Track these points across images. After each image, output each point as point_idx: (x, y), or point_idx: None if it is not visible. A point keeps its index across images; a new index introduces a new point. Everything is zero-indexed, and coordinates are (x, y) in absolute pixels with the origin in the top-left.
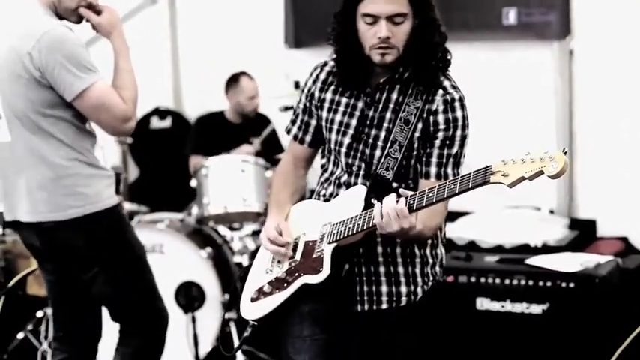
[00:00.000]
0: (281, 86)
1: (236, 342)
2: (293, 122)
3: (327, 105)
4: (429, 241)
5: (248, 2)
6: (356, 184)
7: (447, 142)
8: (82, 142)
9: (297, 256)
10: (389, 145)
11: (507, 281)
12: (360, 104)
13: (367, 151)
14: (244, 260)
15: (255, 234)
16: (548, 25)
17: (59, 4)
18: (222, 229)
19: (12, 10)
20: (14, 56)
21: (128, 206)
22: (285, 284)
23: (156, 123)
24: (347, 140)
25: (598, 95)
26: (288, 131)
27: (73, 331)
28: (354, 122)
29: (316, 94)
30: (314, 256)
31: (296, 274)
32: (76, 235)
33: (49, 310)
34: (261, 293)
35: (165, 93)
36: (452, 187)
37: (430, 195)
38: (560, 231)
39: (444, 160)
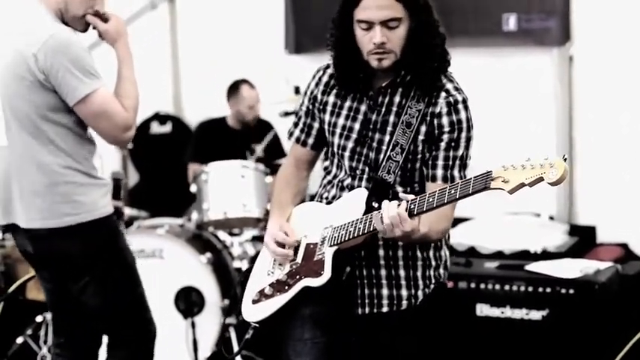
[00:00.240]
0: (281, 92)
1: (235, 347)
2: (296, 125)
3: (329, 108)
4: (433, 244)
5: (248, 8)
6: (359, 187)
7: (453, 145)
8: (80, 150)
9: (299, 259)
10: (390, 148)
11: (507, 287)
12: (363, 108)
13: (371, 155)
14: (244, 266)
15: (255, 239)
16: (548, 31)
17: (66, 11)
18: (222, 235)
19: (19, 15)
20: (19, 58)
21: (128, 211)
22: (287, 287)
23: (156, 128)
24: (350, 144)
25: (598, 101)
26: (291, 134)
27: (73, 338)
28: (357, 126)
29: (319, 96)
30: (315, 259)
31: (297, 276)
32: (70, 243)
33: (49, 315)
34: (262, 295)
35: (165, 98)
36: (452, 191)
37: (430, 199)
38: (560, 237)
39: (450, 163)
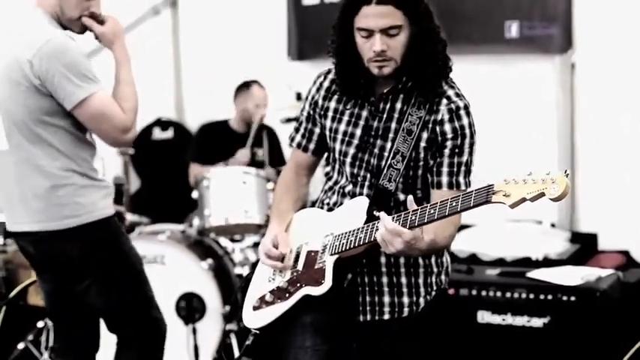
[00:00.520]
0: (283, 98)
1: (236, 353)
2: (297, 130)
3: (330, 114)
4: None
5: (251, 14)
6: (361, 194)
7: (457, 151)
8: (80, 153)
9: (300, 266)
10: (391, 156)
11: (508, 294)
12: (365, 114)
13: (373, 162)
14: (245, 272)
15: (257, 245)
16: (550, 38)
17: (62, 14)
18: (224, 241)
19: (16, 19)
20: (14, 64)
21: (129, 217)
22: (287, 294)
23: (158, 134)
24: (352, 150)
25: (599, 108)
26: (292, 139)
27: (70, 342)
28: (358, 132)
29: (320, 102)
30: (316, 267)
31: (298, 284)
32: (71, 244)
33: (50, 321)
34: (263, 302)
35: (167, 104)
36: (454, 204)
37: (432, 211)
38: (562, 244)
39: (455, 169)
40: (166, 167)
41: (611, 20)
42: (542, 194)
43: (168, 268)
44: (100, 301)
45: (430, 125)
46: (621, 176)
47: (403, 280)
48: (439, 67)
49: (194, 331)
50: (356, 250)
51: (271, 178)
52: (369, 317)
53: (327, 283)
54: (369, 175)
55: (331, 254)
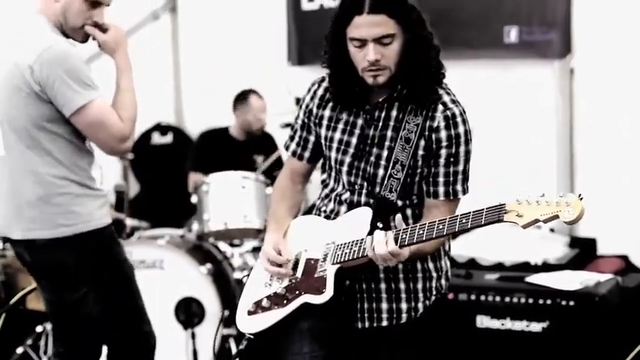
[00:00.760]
0: (283, 103)
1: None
2: (292, 138)
3: (325, 122)
4: (430, 255)
5: (251, 19)
6: (359, 202)
7: (452, 160)
8: (78, 161)
9: (298, 274)
10: (391, 165)
11: (507, 299)
12: (360, 122)
13: (369, 170)
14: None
15: (256, 250)
16: (549, 43)
17: (65, 22)
18: (223, 246)
19: (19, 25)
20: (15, 70)
21: (129, 222)
22: (285, 301)
23: (157, 139)
24: (348, 159)
25: (598, 113)
26: (287, 147)
27: (73, 348)
28: (354, 140)
29: (314, 110)
30: (316, 275)
31: (297, 292)
32: (66, 253)
33: (49, 326)
34: (259, 307)
35: (166, 109)
36: (463, 221)
37: (440, 227)
38: (561, 249)
39: (451, 178)
40: (165, 172)
41: (610, 25)
42: (557, 216)
43: (168, 272)
44: (94, 310)
45: (427, 132)
46: (620, 181)
47: (402, 285)
48: (433, 73)
49: (193, 335)
50: (358, 261)
51: (269, 183)
52: (367, 324)
53: (329, 292)
54: (365, 184)
55: (333, 263)
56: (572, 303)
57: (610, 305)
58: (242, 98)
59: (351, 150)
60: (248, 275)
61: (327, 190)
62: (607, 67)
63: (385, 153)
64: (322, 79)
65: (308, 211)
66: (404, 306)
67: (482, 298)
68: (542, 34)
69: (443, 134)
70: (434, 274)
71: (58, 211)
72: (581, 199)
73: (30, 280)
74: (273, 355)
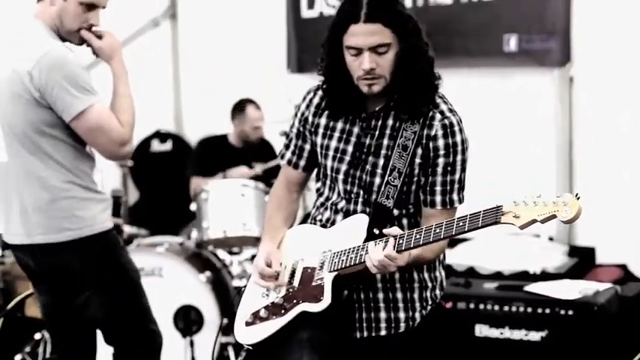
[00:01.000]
0: (283, 110)
1: None
2: (287, 147)
3: (321, 130)
4: (426, 265)
5: (251, 26)
6: (355, 210)
7: (449, 169)
8: (80, 165)
9: (295, 283)
10: (388, 172)
11: (506, 308)
12: (356, 130)
13: (366, 178)
14: (243, 284)
15: (255, 258)
16: (549, 52)
17: (61, 26)
18: (222, 253)
19: (16, 31)
20: (15, 76)
21: (128, 229)
22: (283, 311)
23: (156, 146)
24: (344, 167)
25: (598, 122)
26: (282, 156)
27: (66, 354)
28: (350, 149)
29: (310, 118)
30: (313, 283)
31: (294, 300)
32: (71, 257)
33: (47, 333)
34: (257, 318)
35: (166, 116)
36: (460, 224)
37: (437, 231)
38: (560, 258)
39: (448, 187)
40: (165, 179)
41: (609, 34)
42: (554, 216)
43: (166, 280)
44: (99, 313)
45: (424, 141)
46: (619, 190)
47: (399, 295)
48: (428, 83)
49: (191, 343)
50: (355, 268)
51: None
52: (365, 333)
53: (326, 299)
54: (362, 192)
55: (330, 271)
56: (570, 312)
57: (609, 314)
58: (239, 109)
59: (348, 158)
60: (245, 286)
61: (322, 199)
62: (606, 76)
63: (381, 161)
64: (318, 88)
65: (304, 220)
66: (402, 315)
67: (481, 306)
68: (542, 42)
69: (440, 143)
70: (429, 284)
71: (62, 215)
72: (578, 198)
73: (29, 288)
74: None
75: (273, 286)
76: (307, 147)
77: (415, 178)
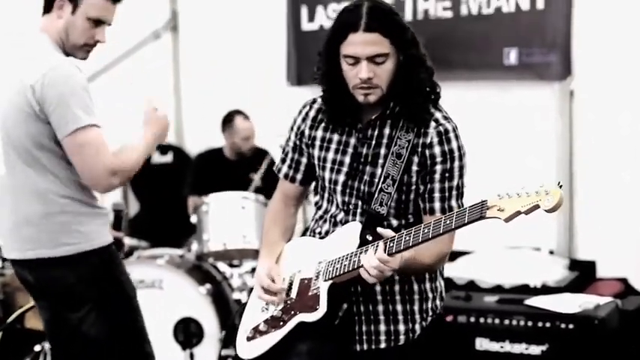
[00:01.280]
0: (282, 123)
1: None
2: (283, 161)
3: (318, 143)
4: (427, 276)
5: (251, 39)
6: (354, 222)
7: (447, 175)
8: (79, 179)
9: (293, 295)
10: (382, 180)
11: (507, 322)
12: (352, 141)
13: (363, 189)
14: (244, 297)
15: (255, 271)
16: (549, 65)
17: (67, 40)
18: (222, 266)
19: (22, 45)
20: (18, 90)
21: (128, 241)
22: (282, 323)
23: (157, 158)
24: (342, 178)
25: (598, 136)
26: (279, 170)
27: None
28: (347, 159)
29: (306, 132)
30: (310, 294)
31: (292, 312)
32: (69, 272)
33: (47, 345)
34: (257, 332)
35: None
36: (448, 222)
37: (426, 231)
38: (560, 272)
39: (447, 194)
40: (165, 191)
41: (610, 48)
42: (537, 206)
43: (167, 292)
44: (95, 330)
45: (419, 149)
46: (620, 204)
47: (399, 307)
48: (426, 95)
49: (192, 356)
50: (350, 275)
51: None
52: (365, 346)
53: (322, 308)
54: (360, 203)
55: (325, 280)
56: (571, 326)
57: (609, 328)
58: (227, 121)
59: (345, 169)
60: (246, 302)
61: (320, 212)
62: (607, 90)
63: (379, 171)
64: (313, 101)
65: (304, 234)
66: (401, 327)
67: (482, 320)
68: (542, 55)
69: (437, 150)
70: (430, 295)
71: (60, 229)
72: (561, 186)
73: (29, 300)
74: None
75: (277, 299)
76: (304, 160)
77: (413, 187)
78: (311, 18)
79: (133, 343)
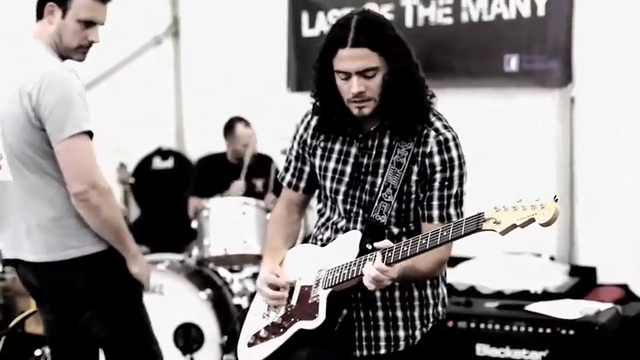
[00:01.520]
0: (282, 129)
1: None
2: (286, 169)
3: (319, 152)
4: (429, 282)
5: (252, 45)
6: (355, 230)
7: (446, 183)
8: None
9: (293, 301)
10: (382, 189)
11: (507, 327)
12: (354, 150)
13: (365, 198)
14: (244, 302)
15: (256, 276)
16: (550, 72)
17: (61, 43)
18: (223, 271)
19: (18, 53)
20: (16, 96)
21: None
22: (282, 329)
23: (158, 163)
24: (343, 187)
25: (598, 143)
26: (282, 179)
27: None
28: (348, 169)
29: (308, 140)
30: (310, 301)
31: (292, 319)
32: (74, 275)
33: (47, 349)
34: (257, 338)
35: (167, 133)
36: (444, 233)
37: (423, 242)
38: (561, 278)
39: (445, 202)
40: (166, 197)
41: (611, 55)
42: (533, 220)
43: (167, 297)
44: (102, 332)
45: (419, 158)
46: (620, 210)
47: (399, 313)
48: (417, 105)
49: None
50: (349, 283)
51: (271, 208)
52: (365, 352)
53: (321, 316)
54: (361, 211)
55: (324, 288)
56: (572, 332)
57: (610, 334)
58: (228, 127)
59: (346, 179)
60: (248, 308)
61: (323, 219)
62: (608, 97)
63: (379, 180)
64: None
65: (306, 240)
66: (401, 334)
67: (482, 326)
68: (543, 62)
69: (436, 159)
70: (431, 301)
71: (67, 232)
72: (556, 200)
73: (29, 304)
74: None
75: (279, 295)
76: (307, 169)
77: (413, 196)
78: (312, 24)
79: (140, 343)
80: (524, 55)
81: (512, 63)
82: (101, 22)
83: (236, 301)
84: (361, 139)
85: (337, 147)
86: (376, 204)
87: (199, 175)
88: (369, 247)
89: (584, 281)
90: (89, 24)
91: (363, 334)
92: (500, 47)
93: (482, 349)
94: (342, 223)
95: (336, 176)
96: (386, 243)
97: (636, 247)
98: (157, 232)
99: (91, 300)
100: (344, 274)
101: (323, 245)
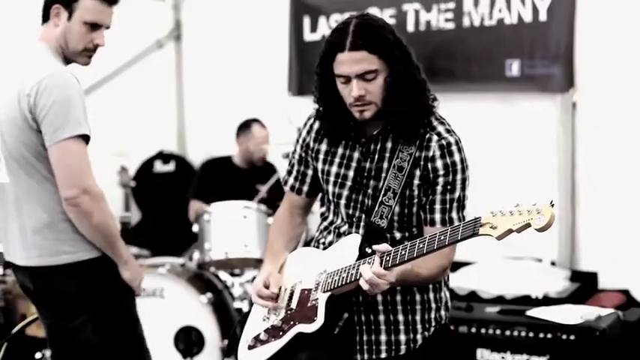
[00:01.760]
0: (284, 133)
1: None
2: (289, 173)
3: (322, 156)
4: (431, 286)
5: (254, 49)
6: (355, 234)
7: (449, 187)
8: None
9: (293, 305)
10: (383, 193)
11: (508, 332)
12: (356, 155)
13: (367, 202)
14: (245, 306)
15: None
16: (552, 77)
17: (66, 47)
18: (223, 275)
19: (20, 54)
20: (15, 98)
21: (130, 250)
22: (281, 333)
23: (159, 167)
24: (345, 192)
25: (600, 148)
26: (285, 182)
27: None
28: (351, 174)
29: (311, 144)
30: (309, 305)
31: (291, 322)
32: (68, 281)
33: (48, 352)
34: (257, 341)
35: (169, 137)
36: (441, 238)
37: (421, 246)
38: (562, 283)
39: (448, 206)
40: (167, 200)
41: (612, 60)
42: (528, 225)
43: (168, 301)
44: (93, 339)
45: (422, 162)
46: (622, 215)
47: (400, 317)
48: (418, 107)
49: None
50: (348, 287)
51: (271, 214)
52: (366, 356)
53: (320, 320)
54: (363, 216)
55: (324, 291)
56: (572, 337)
57: (611, 340)
58: (245, 126)
59: (349, 183)
60: (249, 311)
61: (326, 223)
62: (610, 102)
63: (381, 184)
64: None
65: (308, 243)
66: (402, 338)
67: (483, 331)
68: (545, 67)
69: (439, 163)
70: (433, 305)
71: (60, 237)
72: (553, 205)
73: (29, 307)
74: None
75: (272, 306)
76: (309, 172)
77: (415, 200)
78: (313, 28)
79: (132, 351)
80: (525, 60)
81: (514, 68)
82: (107, 25)
83: (237, 304)
84: (364, 143)
85: (340, 151)
86: (377, 208)
87: (203, 179)
88: (369, 250)
89: (585, 286)
90: (95, 27)
91: (364, 337)
92: (502, 52)
93: (482, 354)
94: (345, 227)
95: (339, 180)
96: (384, 247)
97: (638, 252)
98: (158, 235)
99: (84, 305)
100: (343, 277)
101: (325, 249)
